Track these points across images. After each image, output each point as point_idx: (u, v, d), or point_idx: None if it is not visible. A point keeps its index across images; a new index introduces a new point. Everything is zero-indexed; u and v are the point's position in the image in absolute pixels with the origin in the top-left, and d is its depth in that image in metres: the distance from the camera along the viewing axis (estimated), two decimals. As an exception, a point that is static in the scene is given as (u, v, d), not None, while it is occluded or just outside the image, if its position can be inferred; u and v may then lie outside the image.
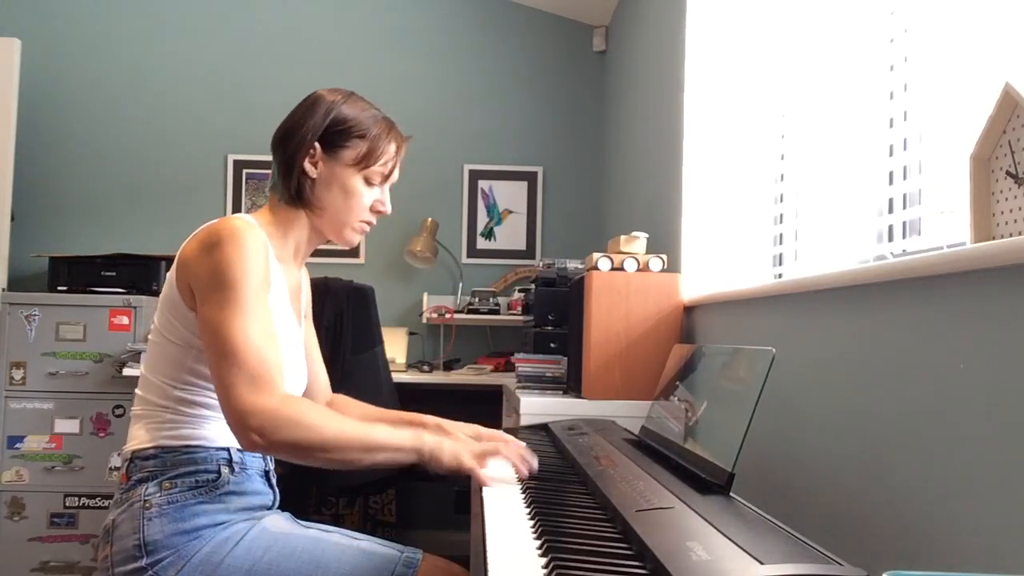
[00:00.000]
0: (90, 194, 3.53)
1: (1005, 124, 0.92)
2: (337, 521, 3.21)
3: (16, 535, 2.91)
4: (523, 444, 1.29)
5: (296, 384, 1.34)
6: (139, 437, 1.23)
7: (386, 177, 1.36)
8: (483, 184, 3.61)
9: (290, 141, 1.31)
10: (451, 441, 1.19)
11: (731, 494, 1.00)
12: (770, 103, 2.08)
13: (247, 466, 1.26)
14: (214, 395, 1.22)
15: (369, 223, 1.38)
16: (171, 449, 1.21)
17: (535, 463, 1.21)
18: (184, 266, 1.21)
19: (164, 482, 1.18)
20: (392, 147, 1.35)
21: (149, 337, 1.29)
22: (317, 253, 3.63)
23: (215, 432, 1.24)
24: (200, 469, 1.21)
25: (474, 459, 1.17)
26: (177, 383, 1.23)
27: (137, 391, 1.28)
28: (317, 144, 1.30)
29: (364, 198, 1.34)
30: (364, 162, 1.32)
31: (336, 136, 1.31)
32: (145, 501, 1.17)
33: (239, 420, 1.09)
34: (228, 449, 1.24)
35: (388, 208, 1.38)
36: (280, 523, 1.26)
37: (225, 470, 1.22)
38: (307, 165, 1.30)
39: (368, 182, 1.34)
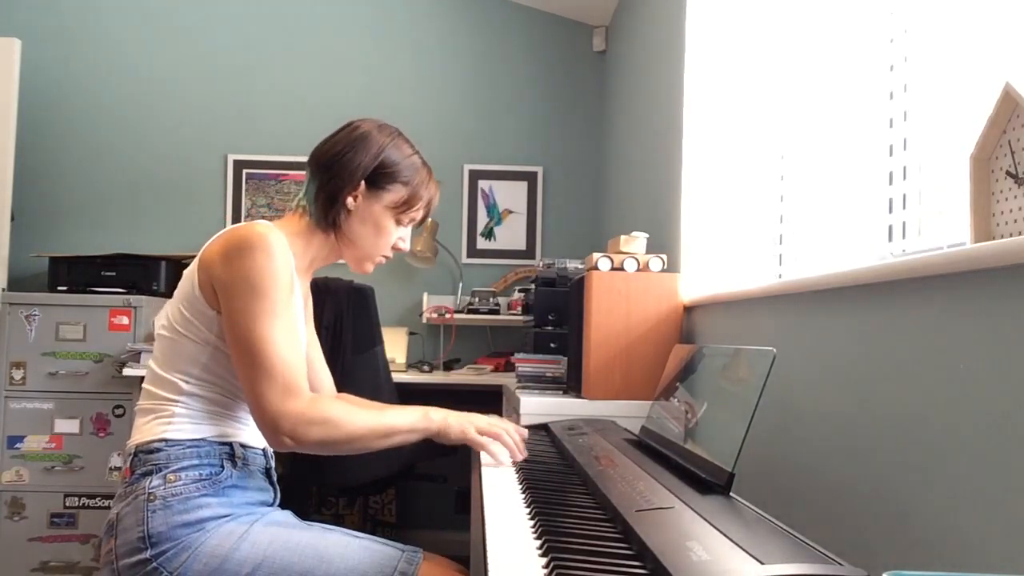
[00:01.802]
0: (90, 194, 3.53)
1: (1005, 124, 0.92)
2: (337, 521, 3.21)
3: (16, 535, 2.91)
4: (525, 432, 1.41)
5: None
6: (144, 431, 1.25)
7: (416, 221, 1.44)
8: (483, 184, 3.61)
9: (338, 173, 1.34)
10: (456, 416, 1.32)
11: (731, 494, 1.00)
12: (770, 102, 2.08)
13: (249, 462, 1.28)
14: (224, 392, 1.26)
15: (387, 258, 1.44)
16: (175, 443, 1.22)
17: (523, 455, 1.34)
18: (208, 267, 1.23)
19: (168, 475, 1.20)
20: (428, 195, 1.42)
21: (159, 332, 1.30)
22: (317, 253, 3.65)
23: (221, 427, 1.26)
24: (203, 463, 1.23)
25: (479, 435, 1.31)
26: (189, 379, 1.25)
27: (145, 385, 1.29)
28: (363, 182, 1.35)
29: (391, 237, 1.41)
30: (403, 207, 1.39)
31: (381, 177, 1.36)
32: (149, 494, 1.18)
33: (271, 425, 1.17)
34: (231, 444, 1.26)
35: (407, 246, 1.46)
36: (283, 519, 1.28)
37: (228, 465, 1.24)
38: (349, 199, 1.35)
39: (398, 223, 1.41)
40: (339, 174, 1.34)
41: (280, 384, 1.17)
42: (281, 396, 1.16)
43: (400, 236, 1.42)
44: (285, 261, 1.22)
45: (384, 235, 1.39)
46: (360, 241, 1.38)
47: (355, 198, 1.35)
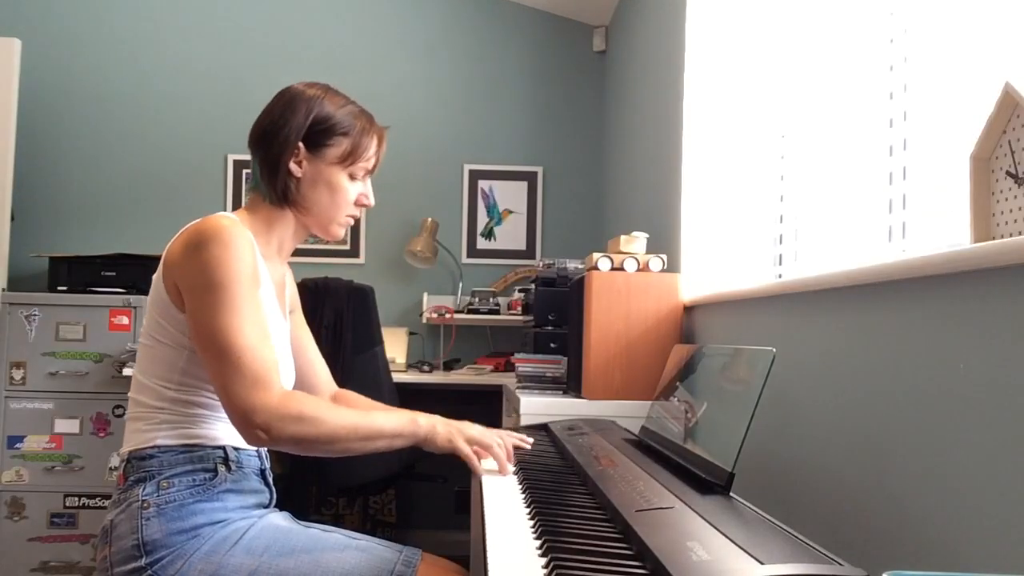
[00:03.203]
0: (90, 194, 3.53)
1: (1005, 124, 0.92)
2: (337, 521, 3.22)
3: (16, 535, 2.91)
4: (527, 444, 1.37)
5: (286, 379, 1.34)
6: (135, 438, 1.23)
7: (369, 171, 1.38)
8: (483, 184, 3.61)
9: (272, 142, 1.30)
10: (445, 423, 1.25)
11: (731, 494, 1.00)
12: (770, 103, 2.08)
13: (244, 465, 1.26)
14: (209, 395, 1.23)
15: (354, 216, 1.39)
16: (168, 449, 1.21)
17: (510, 466, 1.28)
18: (170, 267, 1.20)
19: (162, 482, 1.18)
20: (374, 142, 1.36)
21: (140, 340, 1.28)
22: (316, 253, 3.65)
23: (211, 431, 1.24)
24: (197, 468, 1.21)
25: (468, 445, 1.24)
26: (170, 384, 1.23)
27: (131, 394, 1.28)
28: (301, 144, 1.30)
29: (349, 194, 1.35)
30: (349, 159, 1.33)
31: (319, 135, 1.31)
32: (143, 501, 1.17)
33: (243, 419, 1.12)
34: (224, 448, 1.24)
35: (372, 201, 1.40)
36: (280, 522, 1.27)
37: (222, 469, 1.23)
38: (292, 165, 1.31)
39: (352, 177, 1.35)
40: (274, 142, 1.29)
41: (249, 376, 1.11)
42: (250, 388, 1.11)
43: (362, 192, 1.37)
44: (245, 250, 1.18)
45: (340, 193, 1.33)
46: (317, 206, 1.33)
47: (299, 163, 1.30)
